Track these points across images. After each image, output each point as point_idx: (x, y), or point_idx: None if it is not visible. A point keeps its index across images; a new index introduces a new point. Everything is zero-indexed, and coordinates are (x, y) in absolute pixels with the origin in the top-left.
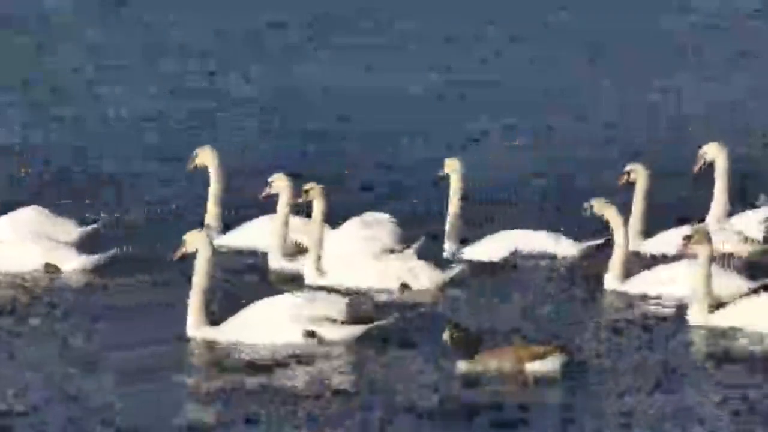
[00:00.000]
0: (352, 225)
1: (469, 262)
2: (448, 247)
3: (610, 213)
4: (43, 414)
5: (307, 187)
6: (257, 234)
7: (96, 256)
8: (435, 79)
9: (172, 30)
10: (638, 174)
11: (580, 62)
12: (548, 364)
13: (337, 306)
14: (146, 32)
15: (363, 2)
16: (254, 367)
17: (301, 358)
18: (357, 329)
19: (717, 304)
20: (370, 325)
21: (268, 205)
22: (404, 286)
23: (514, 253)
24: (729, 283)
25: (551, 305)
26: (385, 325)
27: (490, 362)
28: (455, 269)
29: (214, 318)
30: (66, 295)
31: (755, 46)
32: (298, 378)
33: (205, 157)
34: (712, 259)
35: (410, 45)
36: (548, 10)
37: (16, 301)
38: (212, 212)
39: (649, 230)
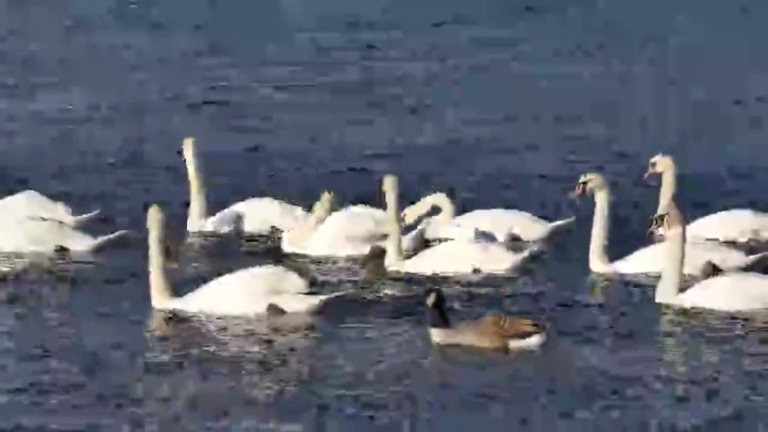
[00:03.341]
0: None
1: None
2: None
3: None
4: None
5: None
6: (246, 215)
7: (99, 239)
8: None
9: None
10: (665, 165)
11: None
12: (528, 340)
13: (297, 278)
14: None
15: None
16: (215, 337)
17: (264, 329)
18: (317, 300)
19: (686, 284)
20: (330, 296)
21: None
22: (476, 271)
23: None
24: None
25: (533, 283)
26: (344, 297)
27: (469, 336)
28: (526, 252)
29: (183, 290)
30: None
31: None
32: (260, 349)
33: (187, 148)
34: (684, 239)
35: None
36: None
37: None
38: (196, 199)
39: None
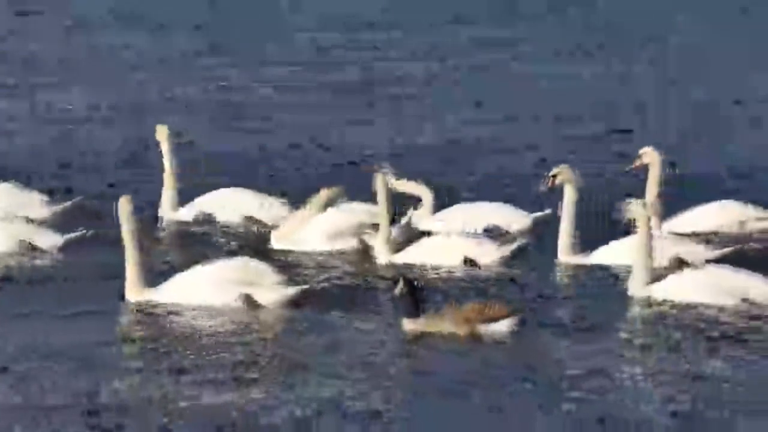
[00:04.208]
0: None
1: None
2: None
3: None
4: None
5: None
6: (219, 206)
7: (68, 235)
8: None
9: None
10: (652, 158)
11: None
12: (497, 325)
13: (270, 270)
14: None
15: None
16: (189, 329)
17: (236, 320)
18: (290, 291)
19: (657, 276)
20: (304, 287)
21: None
22: (468, 262)
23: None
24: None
25: (513, 274)
26: (318, 288)
27: (440, 323)
28: (515, 244)
29: (157, 281)
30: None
31: None
32: (233, 340)
33: (160, 135)
34: (651, 230)
35: None
36: None
37: None
38: (169, 187)
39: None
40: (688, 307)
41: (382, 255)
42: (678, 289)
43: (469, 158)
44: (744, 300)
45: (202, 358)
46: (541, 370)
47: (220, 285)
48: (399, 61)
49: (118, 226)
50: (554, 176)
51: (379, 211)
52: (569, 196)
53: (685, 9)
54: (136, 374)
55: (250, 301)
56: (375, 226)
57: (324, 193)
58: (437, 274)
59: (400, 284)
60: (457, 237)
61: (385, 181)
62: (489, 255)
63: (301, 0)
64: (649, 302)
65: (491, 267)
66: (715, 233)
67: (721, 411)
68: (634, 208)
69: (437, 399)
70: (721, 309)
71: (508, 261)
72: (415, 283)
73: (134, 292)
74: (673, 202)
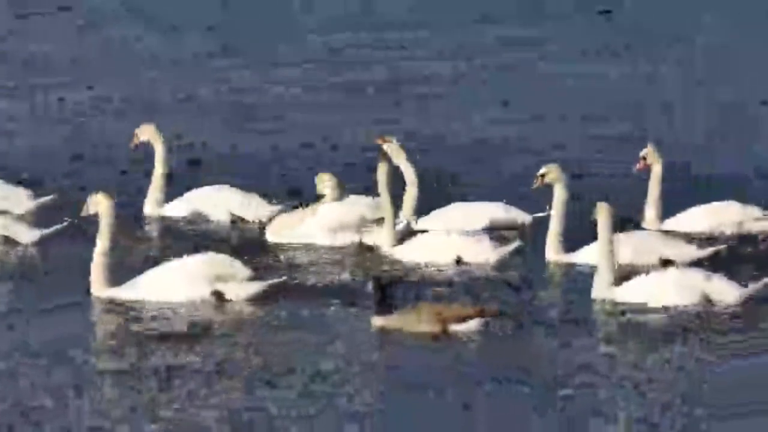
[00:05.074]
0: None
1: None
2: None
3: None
4: None
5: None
6: (202, 203)
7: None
8: None
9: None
10: (652, 157)
11: None
12: (466, 325)
13: (241, 265)
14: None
15: None
16: (154, 325)
17: (203, 315)
18: (259, 286)
19: (622, 278)
20: (272, 282)
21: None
22: (460, 261)
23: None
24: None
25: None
26: (288, 283)
27: (410, 321)
28: (513, 245)
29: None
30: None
31: None
32: (201, 336)
33: (149, 134)
34: (614, 233)
35: None
36: None
37: None
38: (157, 185)
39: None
40: (650, 308)
41: (386, 245)
42: (640, 290)
43: (496, 157)
44: (707, 301)
45: (169, 354)
46: (516, 368)
47: (188, 280)
48: (425, 60)
49: (96, 221)
50: (543, 175)
51: (382, 201)
52: (558, 195)
53: (711, 9)
54: (103, 374)
55: (220, 297)
56: (377, 221)
57: (326, 183)
58: (430, 271)
59: (372, 282)
60: (454, 235)
61: (387, 171)
62: (484, 254)
63: (313, 0)
64: (611, 304)
65: (484, 266)
66: (714, 233)
67: (674, 416)
68: (598, 211)
69: (406, 395)
70: (684, 310)
71: (503, 261)
72: (387, 281)
73: (100, 288)
74: (692, 203)
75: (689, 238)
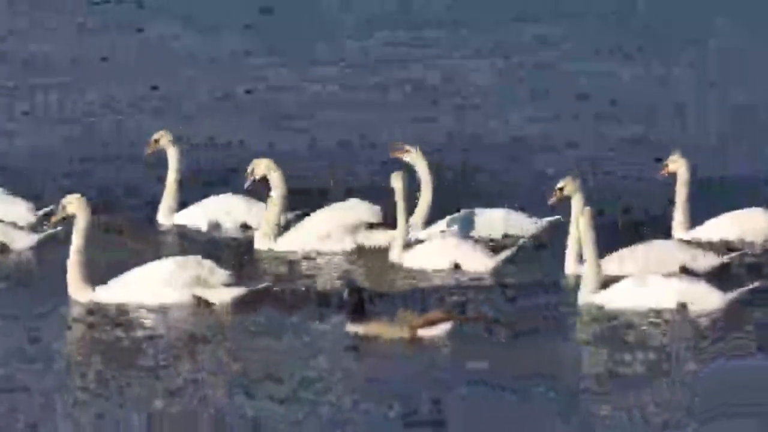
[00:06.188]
0: (333, 208)
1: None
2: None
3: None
4: None
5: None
6: (210, 211)
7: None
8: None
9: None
10: (678, 164)
11: None
12: (436, 328)
13: (218, 269)
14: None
15: None
16: (134, 328)
17: (181, 320)
18: (239, 291)
19: (605, 283)
20: (252, 288)
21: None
22: (456, 267)
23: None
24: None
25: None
26: (267, 289)
27: (382, 328)
28: (507, 252)
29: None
30: None
31: None
32: (177, 340)
33: (164, 141)
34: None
35: None
36: None
37: None
38: (170, 191)
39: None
40: (632, 313)
41: (396, 253)
42: (623, 296)
43: (533, 156)
44: (683, 306)
45: (145, 358)
46: (489, 371)
47: (166, 284)
48: (463, 59)
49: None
50: (561, 189)
51: (398, 209)
52: (576, 206)
53: (724, 12)
54: (82, 376)
55: (200, 301)
56: (372, 226)
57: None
58: (428, 277)
59: (347, 290)
60: (454, 241)
61: (402, 179)
62: (481, 261)
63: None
64: (595, 309)
65: (482, 273)
66: (740, 241)
67: (674, 412)
68: (579, 221)
69: (378, 400)
70: (665, 315)
71: (498, 267)
72: (361, 288)
73: (78, 291)
74: (708, 207)
75: (714, 246)
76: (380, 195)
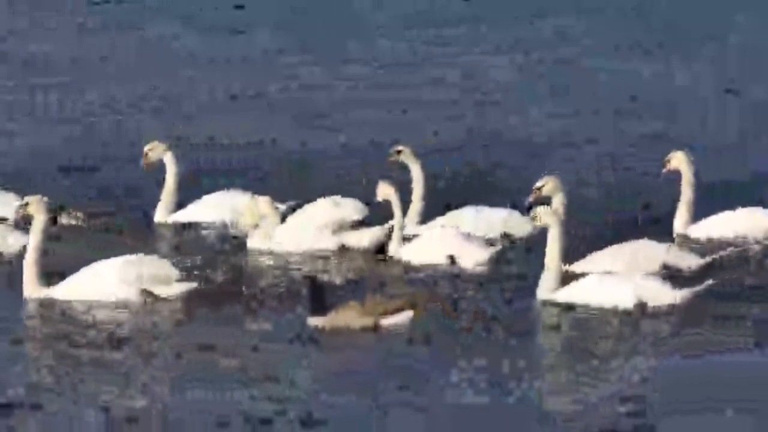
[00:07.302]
0: (321, 203)
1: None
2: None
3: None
4: None
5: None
6: (210, 208)
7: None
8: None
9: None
10: (679, 161)
11: None
12: (397, 317)
13: (167, 265)
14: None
15: None
16: (84, 326)
17: (133, 316)
18: (186, 287)
19: (566, 280)
20: (202, 283)
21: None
22: (451, 259)
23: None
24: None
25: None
26: (218, 284)
27: (342, 318)
28: (500, 246)
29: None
30: None
31: None
32: (127, 336)
33: (157, 152)
34: (564, 233)
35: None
36: None
37: None
38: (170, 192)
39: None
40: (589, 309)
41: (394, 247)
42: (581, 292)
43: (553, 152)
44: (642, 304)
45: (97, 353)
46: (445, 361)
47: (116, 281)
48: (483, 55)
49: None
50: (539, 188)
51: (394, 206)
52: (557, 205)
53: (745, 8)
54: (36, 374)
55: (149, 296)
56: (358, 224)
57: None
58: (423, 270)
59: (307, 284)
60: (448, 235)
61: (389, 184)
62: (474, 255)
63: None
64: (554, 305)
65: (474, 267)
66: (741, 239)
67: (634, 407)
68: (542, 215)
69: (339, 391)
70: (621, 311)
71: (492, 261)
72: (320, 281)
73: (32, 289)
74: (723, 206)
75: (713, 244)
76: (408, 193)
